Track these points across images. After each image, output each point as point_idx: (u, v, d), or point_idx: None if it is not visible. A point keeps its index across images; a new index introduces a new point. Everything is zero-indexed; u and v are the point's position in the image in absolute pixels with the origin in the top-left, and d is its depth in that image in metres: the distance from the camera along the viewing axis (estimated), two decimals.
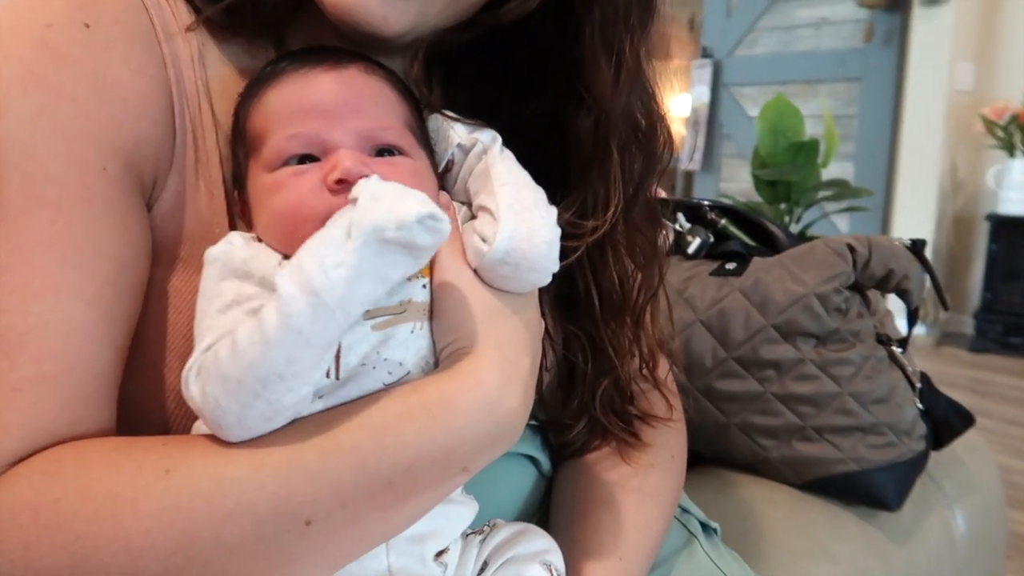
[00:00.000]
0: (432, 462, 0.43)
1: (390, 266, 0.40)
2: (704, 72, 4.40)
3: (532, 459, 0.68)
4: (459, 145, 0.53)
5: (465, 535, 0.54)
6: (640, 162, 0.63)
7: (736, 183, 4.43)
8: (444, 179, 0.55)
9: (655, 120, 0.63)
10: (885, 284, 1.01)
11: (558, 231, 0.49)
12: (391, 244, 0.40)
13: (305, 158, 0.47)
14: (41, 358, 0.42)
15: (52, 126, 0.44)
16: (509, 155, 0.53)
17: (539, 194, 0.51)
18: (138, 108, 0.48)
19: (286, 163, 0.47)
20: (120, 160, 0.47)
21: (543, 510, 0.69)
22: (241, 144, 0.51)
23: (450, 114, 0.55)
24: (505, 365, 0.45)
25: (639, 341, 0.67)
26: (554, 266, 0.49)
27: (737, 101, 4.44)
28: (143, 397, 0.50)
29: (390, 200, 0.40)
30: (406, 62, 0.60)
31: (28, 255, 0.43)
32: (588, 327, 0.65)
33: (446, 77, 0.65)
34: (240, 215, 0.52)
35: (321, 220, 0.45)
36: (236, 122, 0.52)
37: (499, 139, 0.53)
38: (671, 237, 1.14)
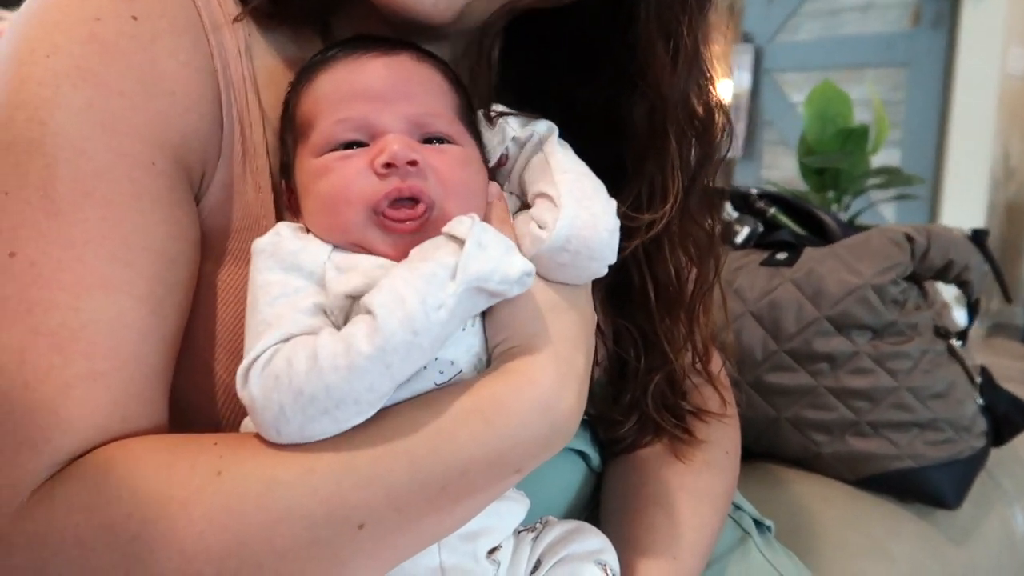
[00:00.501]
0: (486, 465, 0.42)
1: (473, 307, 0.42)
2: (745, 58, 4.32)
3: (582, 454, 0.66)
4: (514, 138, 0.52)
5: (517, 532, 0.53)
6: (697, 151, 0.60)
7: (778, 171, 4.34)
8: (497, 174, 0.54)
9: (713, 107, 0.60)
10: (944, 275, 0.98)
11: (618, 221, 0.48)
12: (484, 292, 0.41)
13: (353, 144, 0.47)
14: (93, 355, 0.42)
15: (101, 121, 0.44)
16: (567, 145, 0.51)
17: (599, 184, 0.49)
18: (185, 101, 0.47)
19: (334, 149, 0.47)
20: (168, 154, 0.46)
21: (592, 506, 0.68)
22: (290, 131, 0.50)
23: (503, 108, 0.53)
24: (560, 364, 0.44)
25: (693, 336, 0.65)
26: (613, 256, 0.48)
27: (779, 87, 4.35)
28: (193, 392, 0.49)
29: (496, 251, 0.41)
30: (456, 49, 0.59)
31: (79, 252, 0.42)
32: (641, 321, 0.64)
33: (501, 58, 0.64)
34: (288, 205, 0.51)
35: (366, 204, 0.45)
36: (286, 109, 0.51)
37: (556, 129, 0.52)
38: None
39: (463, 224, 0.42)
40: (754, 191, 1.15)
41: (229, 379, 0.43)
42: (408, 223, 0.45)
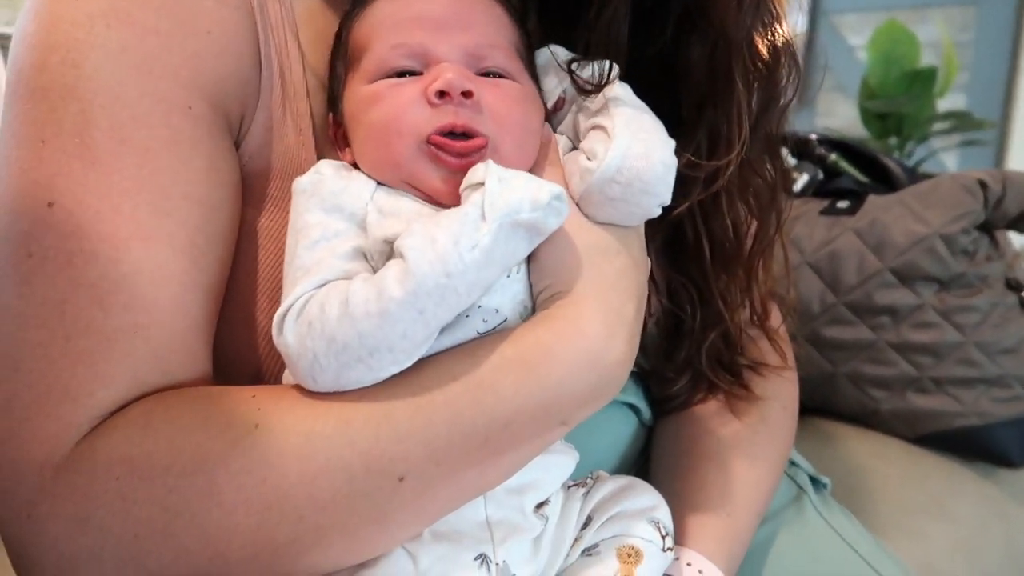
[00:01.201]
0: (530, 417, 0.41)
1: (514, 250, 0.40)
2: None
3: (632, 407, 0.64)
4: (572, 80, 0.49)
5: (567, 487, 0.51)
6: (760, 96, 0.56)
7: (834, 118, 4.18)
8: (552, 118, 0.51)
9: (779, 48, 0.55)
10: (1019, 224, 0.93)
11: (676, 159, 0.45)
12: (520, 227, 0.39)
13: (406, 73, 0.45)
14: (134, 307, 0.41)
15: (136, 63, 0.43)
16: (627, 87, 0.48)
17: (658, 122, 0.46)
18: (222, 40, 0.46)
19: (387, 76, 0.45)
20: (206, 97, 0.45)
21: (643, 460, 0.67)
22: (342, 59, 0.48)
23: (561, 48, 0.50)
24: (609, 312, 0.42)
25: (751, 292, 0.62)
26: (668, 193, 0.45)
27: (837, 30, 4.18)
28: (234, 340, 0.48)
29: (519, 181, 0.39)
30: None
31: (117, 202, 0.41)
32: (697, 277, 0.60)
33: (541, 7, 0.61)
34: (333, 139, 0.49)
35: (418, 136, 0.43)
36: (339, 36, 0.49)
37: (616, 69, 0.48)
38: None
39: (478, 170, 0.41)
40: (814, 136, 1.10)
41: (271, 328, 0.42)
42: (461, 158, 0.43)
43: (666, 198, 0.45)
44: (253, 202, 0.48)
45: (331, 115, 0.49)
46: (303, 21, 0.50)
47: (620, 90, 0.47)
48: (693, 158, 0.53)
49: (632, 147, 0.43)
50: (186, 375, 0.43)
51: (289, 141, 0.49)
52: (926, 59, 1.69)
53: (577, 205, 0.45)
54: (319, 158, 0.49)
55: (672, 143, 0.46)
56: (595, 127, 0.46)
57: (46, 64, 0.42)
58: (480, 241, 0.38)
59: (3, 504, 0.40)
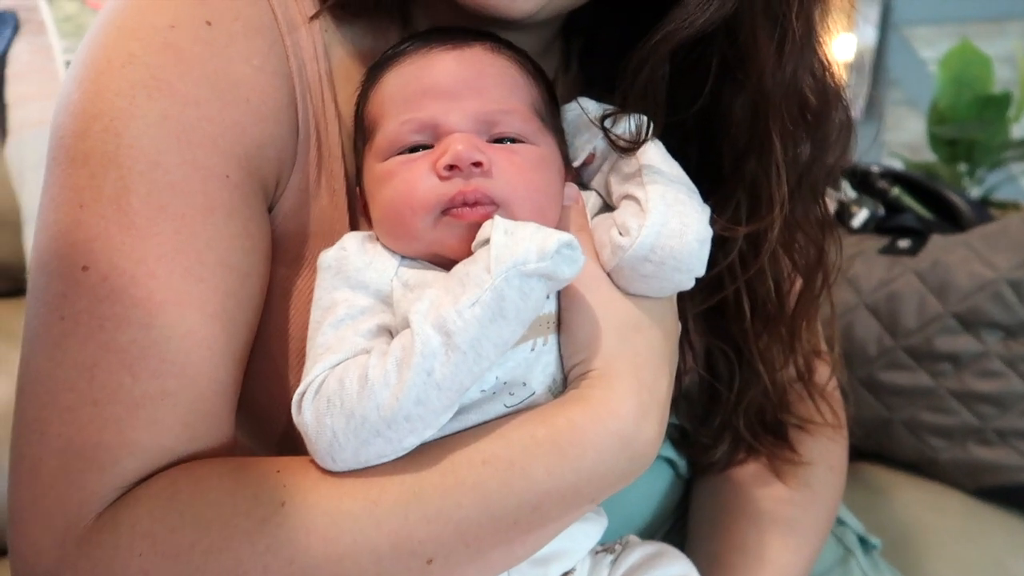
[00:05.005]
0: (560, 499, 0.40)
1: (528, 303, 0.39)
2: (871, 10, 4.03)
3: (668, 460, 0.62)
4: (603, 135, 0.48)
5: (594, 552, 0.50)
6: (807, 148, 0.53)
7: (902, 133, 4.05)
8: (583, 172, 0.50)
9: (829, 97, 0.52)
10: None
11: (711, 231, 0.44)
12: (531, 279, 0.38)
13: (418, 148, 0.44)
14: (163, 373, 0.42)
15: (176, 133, 0.43)
16: (660, 145, 0.47)
17: (692, 188, 0.45)
18: (261, 108, 0.46)
19: (399, 152, 0.44)
20: (243, 165, 0.45)
21: (680, 511, 0.64)
22: (360, 134, 0.48)
23: (591, 102, 0.49)
24: (642, 391, 0.42)
25: (794, 354, 0.59)
26: (702, 268, 0.44)
27: (908, 42, 4.05)
28: (266, 399, 0.49)
29: (525, 232, 0.39)
30: (542, 38, 0.54)
31: (152, 267, 0.42)
32: (736, 337, 0.58)
33: (584, 49, 0.59)
34: (362, 211, 0.49)
35: (431, 210, 0.42)
36: (356, 111, 0.49)
37: (649, 125, 0.47)
38: (832, 208, 1.03)
39: (485, 227, 0.40)
40: (875, 168, 1.06)
41: None
42: (476, 209, 0.42)
43: (700, 272, 0.44)
44: (286, 262, 0.48)
45: (358, 188, 0.49)
46: (341, 80, 0.50)
47: (655, 155, 0.46)
48: (730, 224, 0.51)
49: (667, 224, 0.42)
50: (211, 442, 0.43)
51: (323, 203, 0.49)
52: (1001, 74, 1.61)
53: (608, 275, 0.44)
54: (352, 219, 0.49)
55: (707, 213, 0.44)
56: (628, 196, 0.45)
57: (88, 132, 0.43)
58: (481, 297, 0.37)
59: (24, 574, 0.41)
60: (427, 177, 0.42)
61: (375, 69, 0.47)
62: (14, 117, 1.14)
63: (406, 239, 0.43)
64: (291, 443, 0.46)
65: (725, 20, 0.47)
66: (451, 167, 0.42)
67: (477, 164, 0.42)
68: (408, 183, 0.43)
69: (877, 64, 4.14)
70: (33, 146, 1.11)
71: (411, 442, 0.39)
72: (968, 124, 1.48)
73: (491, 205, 0.42)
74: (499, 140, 0.44)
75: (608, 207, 0.48)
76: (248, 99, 0.45)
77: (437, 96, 0.44)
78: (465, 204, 0.42)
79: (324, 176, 0.48)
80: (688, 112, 0.52)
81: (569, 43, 0.58)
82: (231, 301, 0.44)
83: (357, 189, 0.49)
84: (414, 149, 0.44)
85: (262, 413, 0.49)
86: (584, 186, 0.50)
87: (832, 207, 1.03)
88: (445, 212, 0.42)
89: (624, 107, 0.48)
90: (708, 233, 0.44)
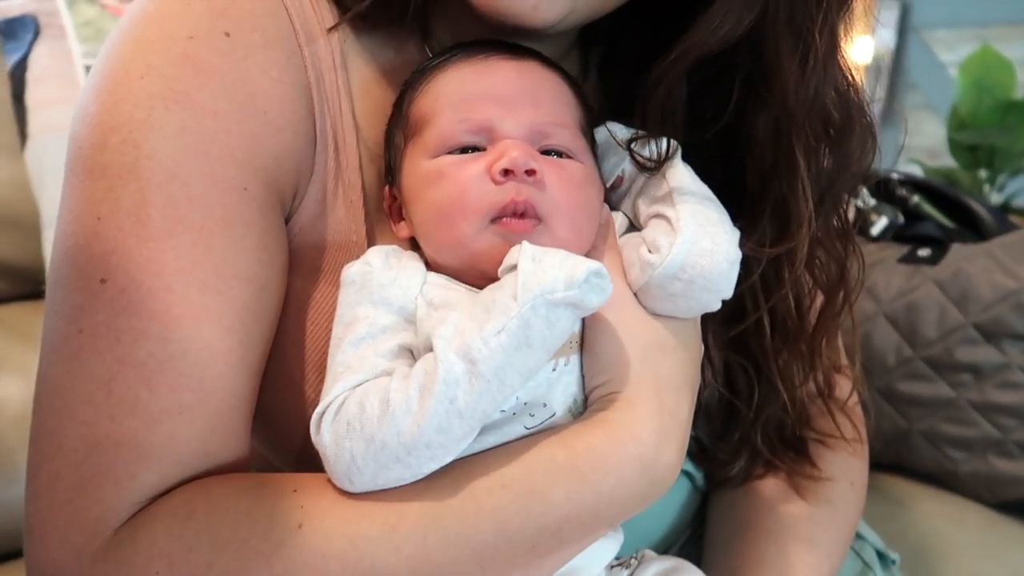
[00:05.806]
0: (578, 523, 0.40)
1: (555, 332, 0.38)
2: (890, 14, 4.00)
3: (685, 472, 0.62)
4: (632, 159, 0.47)
5: (610, 567, 0.49)
6: (831, 164, 0.52)
7: (921, 138, 4.01)
8: (611, 195, 0.50)
9: (853, 113, 0.51)
10: None
11: (740, 252, 0.43)
12: (558, 308, 0.37)
13: (468, 149, 0.44)
14: (180, 387, 0.41)
15: (194, 145, 0.43)
16: (689, 168, 0.47)
17: (723, 210, 0.45)
18: (279, 120, 0.46)
19: (450, 151, 0.44)
20: (261, 177, 0.45)
21: (697, 524, 0.64)
22: (401, 130, 0.48)
23: (620, 126, 0.49)
24: (663, 414, 0.41)
25: (815, 371, 0.59)
26: (730, 289, 0.44)
27: (927, 46, 4.01)
28: (283, 411, 0.48)
29: (554, 260, 0.38)
30: (559, 47, 0.54)
31: (169, 280, 0.42)
32: (756, 354, 0.57)
33: (603, 59, 0.58)
34: (387, 211, 0.49)
35: (483, 216, 0.42)
36: (398, 107, 0.48)
37: (679, 149, 0.47)
38: (852, 216, 1.02)
39: (513, 253, 0.40)
40: (895, 175, 1.04)
41: (318, 399, 0.42)
42: (524, 222, 0.42)
43: (728, 293, 0.44)
44: (304, 273, 0.48)
45: (387, 187, 0.49)
46: (359, 93, 0.50)
47: (684, 177, 0.45)
48: (757, 247, 0.50)
49: (698, 243, 0.42)
50: (227, 456, 0.43)
51: (340, 214, 0.48)
52: (1022, 78, 1.59)
53: (635, 295, 0.44)
54: (368, 231, 0.49)
55: (737, 234, 0.44)
56: (658, 215, 0.44)
57: (106, 143, 0.42)
58: (507, 325, 0.37)
59: None
60: (480, 181, 0.42)
61: (425, 70, 0.47)
62: (34, 121, 1.15)
63: (448, 244, 0.43)
64: (309, 455, 0.46)
65: (748, 36, 0.47)
66: (506, 172, 0.41)
67: (531, 172, 0.42)
68: (460, 185, 0.43)
69: (895, 67, 4.10)
70: (53, 150, 1.11)
71: (430, 468, 0.39)
72: (989, 130, 1.46)
73: (535, 219, 0.42)
74: (547, 152, 0.44)
75: (635, 229, 0.47)
76: (266, 111, 0.45)
77: (495, 101, 0.44)
78: (515, 214, 0.42)
79: (341, 187, 0.48)
80: (711, 131, 0.51)
81: (587, 52, 0.58)
82: (248, 314, 0.44)
83: (386, 189, 0.49)
84: (464, 150, 0.44)
85: (279, 424, 0.49)
86: (612, 208, 0.49)
87: (851, 215, 1.02)
88: (494, 220, 0.42)
89: (643, 122, 0.48)
90: (738, 255, 0.43)
